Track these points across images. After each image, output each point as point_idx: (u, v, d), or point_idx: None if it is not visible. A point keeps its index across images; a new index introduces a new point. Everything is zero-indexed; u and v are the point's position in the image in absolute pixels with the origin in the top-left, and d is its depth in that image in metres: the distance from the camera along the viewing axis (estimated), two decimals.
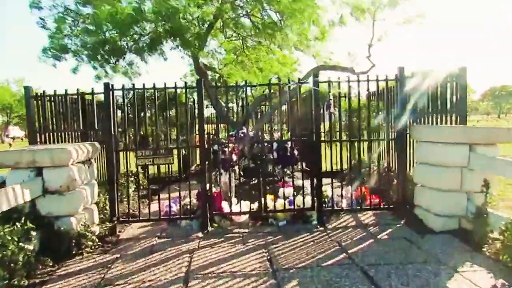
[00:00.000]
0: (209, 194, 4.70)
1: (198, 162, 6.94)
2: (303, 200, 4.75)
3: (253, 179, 5.59)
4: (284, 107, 7.86)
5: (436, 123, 5.01)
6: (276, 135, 6.59)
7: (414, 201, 4.68)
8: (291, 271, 3.25)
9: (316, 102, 4.71)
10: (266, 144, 5.04)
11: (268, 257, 3.59)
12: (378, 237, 4.10)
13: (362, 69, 8.08)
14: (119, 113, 6.25)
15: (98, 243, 4.02)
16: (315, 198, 4.74)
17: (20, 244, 3.16)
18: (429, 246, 3.72)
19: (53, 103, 5.24)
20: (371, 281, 2.99)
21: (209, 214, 4.63)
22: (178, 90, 4.94)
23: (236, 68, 10.77)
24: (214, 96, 7.49)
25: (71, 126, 5.42)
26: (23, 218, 3.39)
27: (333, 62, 8.58)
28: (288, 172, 5.47)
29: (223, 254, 3.71)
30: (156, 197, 5.42)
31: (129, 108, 6.74)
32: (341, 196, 5.01)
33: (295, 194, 4.95)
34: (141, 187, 5.91)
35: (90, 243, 3.90)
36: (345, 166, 5.79)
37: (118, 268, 3.43)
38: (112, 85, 4.66)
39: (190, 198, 4.88)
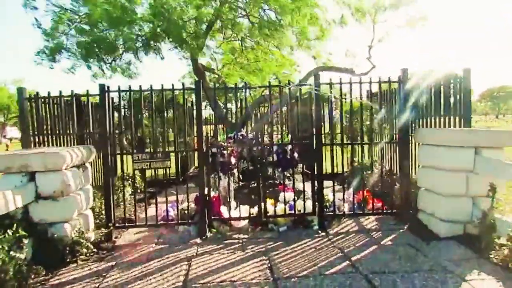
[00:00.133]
0: (207, 198, 4.58)
1: (196, 164, 6.81)
2: (304, 205, 4.64)
3: (252, 182, 5.47)
4: (284, 109, 7.75)
5: (440, 126, 4.92)
6: (276, 137, 6.47)
7: (417, 206, 4.58)
8: (293, 280, 3.13)
9: (317, 103, 4.61)
10: (265, 146, 4.93)
11: (269, 265, 3.48)
12: (382, 243, 3.99)
13: (362, 70, 7.99)
14: (115, 114, 6.13)
15: (93, 250, 3.89)
16: (316, 203, 4.63)
17: (11, 252, 3.03)
18: (435, 253, 3.62)
19: (47, 105, 5.12)
20: None
21: (207, 219, 4.51)
22: (176, 92, 4.82)
23: (234, 69, 10.67)
24: (212, 98, 7.36)
25: (66, 129, 5.30)
26: (14, 225, 3.24)
27: (332, 63, 8.48)
28: (288, 175, 5.35)
29: (222, 262, 3.60)
30: (153, 201, 5.29)
31: (125, 110, 6.61)
32: (343, 200, 4.91)
33: (296, 198, 4.83)
34: (138, 191, 5.78)
35: (84, 250, 3.78)
36: (346, 169, 5.68)
37: (114, 277, 3.31)
38: (108, 87, 4.52)
39: (188, 202, 4.76)
